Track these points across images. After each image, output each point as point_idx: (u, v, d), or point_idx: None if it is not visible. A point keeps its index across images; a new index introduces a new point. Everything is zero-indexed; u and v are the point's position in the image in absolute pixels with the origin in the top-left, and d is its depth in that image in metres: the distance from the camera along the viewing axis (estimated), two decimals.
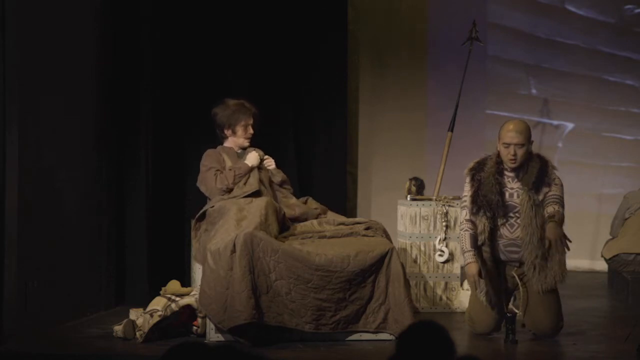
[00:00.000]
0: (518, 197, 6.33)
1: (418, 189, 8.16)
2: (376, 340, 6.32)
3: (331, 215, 6.94)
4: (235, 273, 6.11)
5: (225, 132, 6.91)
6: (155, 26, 7.85)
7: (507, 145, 6.31)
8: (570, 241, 6.18)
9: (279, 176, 6.97)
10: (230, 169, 6.76)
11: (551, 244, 6.15)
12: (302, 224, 6.71)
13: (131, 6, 7.65)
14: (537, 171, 6.30)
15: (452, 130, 8.16)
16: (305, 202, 6.97)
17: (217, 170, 6.77)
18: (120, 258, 7.65)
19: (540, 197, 6.30)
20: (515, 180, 6.36)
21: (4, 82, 6.17)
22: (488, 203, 6.29)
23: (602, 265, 8.89)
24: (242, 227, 6.28)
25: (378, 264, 6.33)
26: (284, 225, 6.64)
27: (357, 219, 6.96)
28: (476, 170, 6.38)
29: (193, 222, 6.83)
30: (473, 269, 6.31)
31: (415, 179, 8.23)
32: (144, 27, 7.73)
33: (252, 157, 6.86)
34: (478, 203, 6.31)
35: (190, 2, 8.23)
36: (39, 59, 6.55)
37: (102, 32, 7.43)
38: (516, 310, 6.37)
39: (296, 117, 8.90)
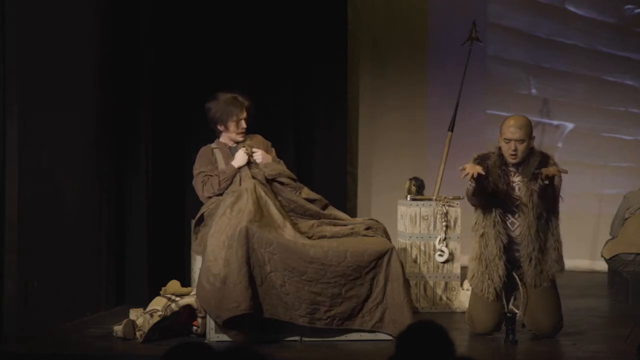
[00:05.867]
0: (519, 190, 6.34)
1: (418, 189, 8.16)
2: (376, 340, 6.32)
3: (332, 211, 6.82)
4: (232, 265, 6.12)
5: (219, 127, 6.79)
6: (155, 26, 7.85)
7: (508, 140, 6.32)
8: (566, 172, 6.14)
9: (269, 169, 6.73)
10: (215, 175, 6.68)
11: (547, 176, 6.10)
12: (302, 224, 6.65)
13: (131, 6, 7.65)
14: (537, 163, 6.30)
15: (452, 130, 8.16)
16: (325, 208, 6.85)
17: (206, 175, 6.67)
18: (120, 258, 7.65)
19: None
20: (517, 174, 6.37)
21: (4, 82, 6.18)
22: (496, 190, 6.29)
23: (602, 265, 8.89)
24: (236, 210, 6.28)
25: (376, 263, 6.32)
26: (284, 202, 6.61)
27: (357, 219, 6.93)
28: (482, 159, 6.37)
29: (193, 223, 6.82)
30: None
31: (415, 179, 8.24)
32: (144, 27, 7.73)
33: (239, 158, 6.70)
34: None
35: (190, 2, 8.22)
36: (39, 59, 6.55)
37: (102, 32, 7.43)
38: (516, 310, 6.37)
39: (296, 117, 8.89)
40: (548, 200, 6.25)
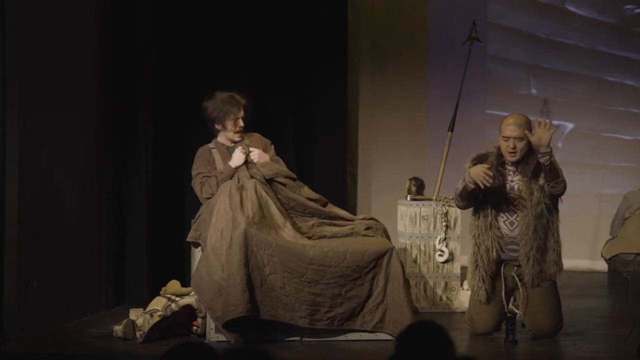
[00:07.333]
0: (519, 189, 6.33)
1: (418, 189, 8.15)
2: (376, 340, 6.32)
3: (332, 209, 6.80)
4: (231, 267, 6.12)
5: (216, 126, 6.73)
6: (155, 26, 7.85)
7: (507, 138, 6.31)
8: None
9: (266, 169, 6.67)
10: (213, 176, 6.66)
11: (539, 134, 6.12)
12: (302, 224, 6.64)
13: (131, 6, 7.65)
14: (536, 161, 6.28)
15: (452, 130, 8.16)
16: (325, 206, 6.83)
17: (204, 176, 6.64)
18: (120, 258, 7.65)
19: (541, 182, 6.28)
20: (516, 173, 6.37)
21: (4, 82, 6.18)
22: (491, 192, 6.28)
23: (602, 265, 8.89)
24: (236, 200, 6.28)
25: (376, 263, 6.31)
26: (284, 201, 6.60)
27: (357, 217, 6.91)
28: (479, 160, 6.36)
29: (192, 223, 6.82)
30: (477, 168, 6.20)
31: (415, 179, 8.23)
32: (144, 28, 7.73)
33: (236, 158, 6.65)
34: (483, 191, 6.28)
35: (190, 2, 8.22)
36: (39, 59, 6.55)
37: (102, 32, 7.43)
38: (516, 310, 6.37)
39: (296, 117, 8.90)
40: (555, 175, 6.17)
